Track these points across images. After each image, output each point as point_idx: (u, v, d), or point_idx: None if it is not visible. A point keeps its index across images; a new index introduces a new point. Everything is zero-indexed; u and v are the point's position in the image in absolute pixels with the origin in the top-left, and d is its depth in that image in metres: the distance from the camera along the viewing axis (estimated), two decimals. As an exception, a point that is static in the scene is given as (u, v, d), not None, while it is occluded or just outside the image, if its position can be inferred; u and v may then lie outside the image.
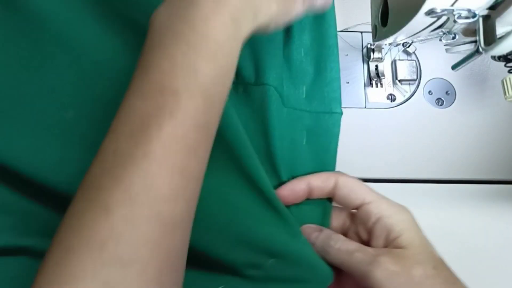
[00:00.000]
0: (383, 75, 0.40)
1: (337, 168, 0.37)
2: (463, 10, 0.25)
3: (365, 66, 0.41)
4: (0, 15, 0.36)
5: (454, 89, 0.42)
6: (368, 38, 0.42)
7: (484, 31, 0.26)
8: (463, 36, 0.30)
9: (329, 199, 0.34)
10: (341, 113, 0.37)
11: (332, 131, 0.37)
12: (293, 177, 0.35)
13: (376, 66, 0.40)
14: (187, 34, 0.25)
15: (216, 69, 0.25)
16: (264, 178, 0.32)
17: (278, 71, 0.36)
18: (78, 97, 0.34)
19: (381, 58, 0.39)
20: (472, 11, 0.25)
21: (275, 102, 0.35)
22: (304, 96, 0.37)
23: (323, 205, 0.34)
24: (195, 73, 0.24)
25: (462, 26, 0.27)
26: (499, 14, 0.25)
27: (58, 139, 0.32)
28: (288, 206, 0.34)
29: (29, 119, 0.33)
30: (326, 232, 0.32)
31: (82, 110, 0.33)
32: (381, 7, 0.33)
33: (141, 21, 0.33)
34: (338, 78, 0.37)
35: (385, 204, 0.32)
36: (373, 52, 0.39)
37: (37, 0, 0.35)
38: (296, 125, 0.37)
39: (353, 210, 0.33)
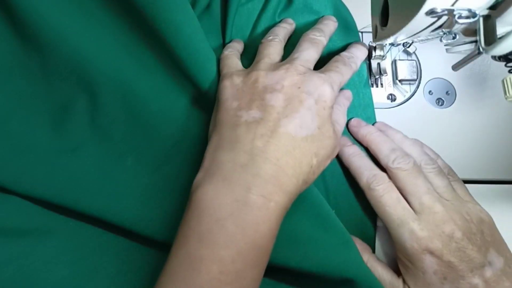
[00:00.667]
0: (385, 73, 0.40)
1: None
2: (464, 10, 0.25)
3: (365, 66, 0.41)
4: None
5: (454, 89, 0.42)
6: (368, 38, 0.42)
7: (484, 31, 0.26)
8: (463, 36, 0.30)
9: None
10: (370, 92, 0.39)
11: (364, 103, 0.39)
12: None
13: (378, 64, 0.40)
14: (239, 240, 0.26)
15: (258, 273, 0.27)
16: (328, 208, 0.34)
17: None
18: (134, 144, 0.35)
19: (383, 56, 0.39)
20: (472, 11, 0.25)
21: None
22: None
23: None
24: (241, 280, 0.26)
25: (463, 26, 0.27)
26: (500, 14, 0.25)
27: (120, 187, 0.34)
28: None
29: (92, 167, 0.35)
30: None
31: (140, 158, 0.35)
32: (381, 7, 0.33)
33: (186, 62, 0.34)
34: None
35: (396, 237, 0.33)
36: (375, 50, 0.39)
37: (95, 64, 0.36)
38: None
39: None
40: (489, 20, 0.26)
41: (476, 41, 0.28)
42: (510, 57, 0.28)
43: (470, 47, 0.31)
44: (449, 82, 0.42)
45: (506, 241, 0.34)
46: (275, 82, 0.31)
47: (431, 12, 0.25)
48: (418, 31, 0.29)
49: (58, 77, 0.36)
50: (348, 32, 0.39)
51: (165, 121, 0.36)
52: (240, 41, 0.39)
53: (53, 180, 0.34)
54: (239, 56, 0.37)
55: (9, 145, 0.35)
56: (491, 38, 0.26)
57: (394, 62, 0.41)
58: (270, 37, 0.36)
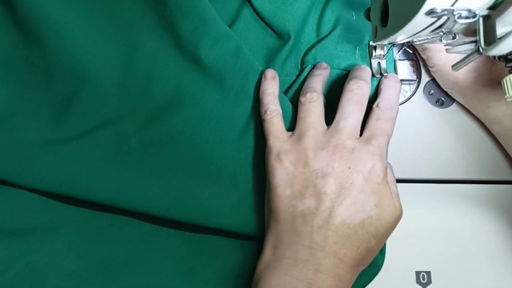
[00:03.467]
0: (386, 72, 0.40)
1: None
2: (463, 10, 0.25)
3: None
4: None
5: (454, 89, 0.42)
6: (368, 38, 0.42)
7: (484, 31, 0.26)
8: (463, 36, 0.30)
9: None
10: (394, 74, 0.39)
11: None
12: None
13: (379, 63, 0.40)
14: None
15: None
16: None
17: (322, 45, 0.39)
18: (138, 124, 0.36)
19: (384, 56, 0.39)
20: (472, 11, 0.25)
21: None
22: (356, 57, 0.40)
23: None
24: None
25: (462, 26, 0.27)
26: (499, 14, 0.25)
27: (128, 169, 0.35)
28: None
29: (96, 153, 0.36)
30: None
31: (144, 138, 0.36)
32: (381, 7, 0.33)
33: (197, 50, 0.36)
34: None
35: None
36: (375, 50, 0.38)
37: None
38: None
39: None
40: (489, 20, 0.26)
41: (476, 41, 0.28)
42: (510, 57, 0.28)
43: (470, 47, 0.31)
44: (449, 82, 0.42)
45: (506, 241, 0.34)
46: (325, 165, 0.31)
47: (431, 12, 0.25)
48: (418, 31, 0.29)
49: (60, 69, 0.36)
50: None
51: (168, 104, 0.36)
52: (275, 82, 0.37)
53: (60, 169, 0.34)
54: (280, 113, 0.35)
55: (15, 140, 0.35)
56: (491, 38, 0.26)
57: (394, 62, 0.41)
58: (308, 94, 0.35)
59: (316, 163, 0.31)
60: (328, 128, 0.33)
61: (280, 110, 0.35)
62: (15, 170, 0.34)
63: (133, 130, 0.36)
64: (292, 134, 0.34)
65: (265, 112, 0.35)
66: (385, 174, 0.32)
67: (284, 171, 0.32)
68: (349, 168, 0.31)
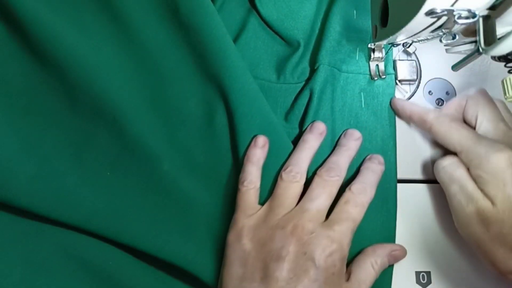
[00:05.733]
0: (384, 75, 0.40)
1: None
2: (463, 10, 0.25)
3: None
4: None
5: (454, 89, 0.42)
6: (368, 38, 0.42)
7: (484, 31, 0.26)
8: (463, 36, 0.30)
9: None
10: (394, 73, 0.40)
11: (387, 91, 0.39)
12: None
13: (377, 65, 0.40)
14: None
15: None
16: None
17: (328, 44, 0.39)
18: (168, 147, 0.36)
19: (382, 58, 0.39)
20: (472, 11, 0.25)
21: (328, 74, 0.38)
22: (357, 58, 0.39)
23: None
24: None
25: (462, 26, 0.27)
26: (499, 14, 0.25)
27: (158, 195, 0.35)
28: None
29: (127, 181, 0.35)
30: None
31: (174, 161, 0.35)
32: (381, 7, 0.33)
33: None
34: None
35: (474, 154, 0.32)
36: (374, 52, 0.38)
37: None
38: (354, 89, 0.39)
39: None
40: (489, 20, 0.26)
41: (476, 41, 0.28)
42: (509, 57, 0.28)
43: (470, 47, 0.31)
44: (449, 82, 0.42)
45: None
46: (280, 247, 0.30)
47: (430, 13, 0.25)
48: (418, 31, 0.29)
49: (80, 92, 0.35)
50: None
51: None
52: (263, 151, 0.35)
53: (81, 206, 0.34)
54: (257, 187, 0.34)
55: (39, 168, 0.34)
56: (491, 39, 0.26)
57: (394, 62, 0.41)
58: (292, 172, 0.33)
59: (273, 243, 0.30)
60: (294, 208, 0.32)
61: (258, 184, 0.34)
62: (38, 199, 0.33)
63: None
64: (260, 209, 0.33)
65: (242, 182, 0.34)
66: (343, 264, 0.31)
67: (241, 249, 0.31)
68: (305, 253, 0.29)
